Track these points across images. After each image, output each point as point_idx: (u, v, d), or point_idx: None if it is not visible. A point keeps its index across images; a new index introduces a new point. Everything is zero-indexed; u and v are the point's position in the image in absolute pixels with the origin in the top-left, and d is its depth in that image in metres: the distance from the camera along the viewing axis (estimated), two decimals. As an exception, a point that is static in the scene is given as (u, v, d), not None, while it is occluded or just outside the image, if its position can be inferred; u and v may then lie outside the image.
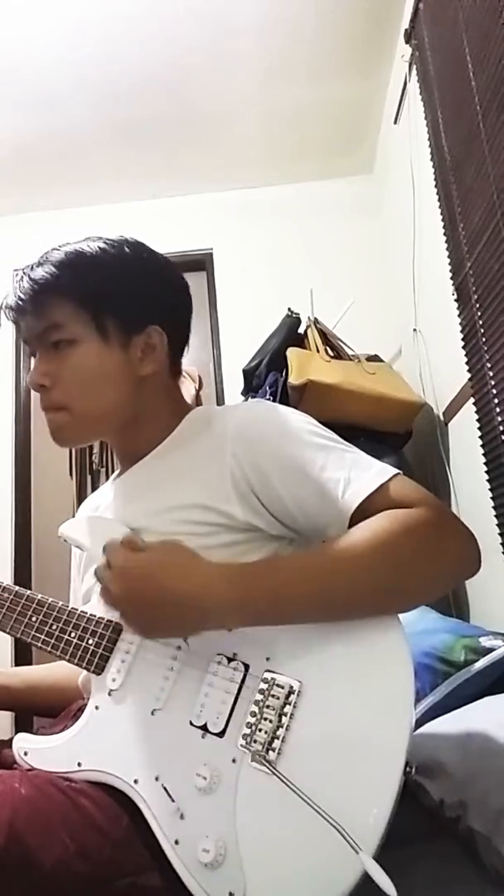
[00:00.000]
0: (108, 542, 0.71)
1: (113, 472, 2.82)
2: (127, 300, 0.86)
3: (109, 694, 0.74)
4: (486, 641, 1.29)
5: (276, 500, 0.78)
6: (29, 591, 0.84)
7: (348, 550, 0.69)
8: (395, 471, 0.76)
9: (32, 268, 0.85)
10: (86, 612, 0.80)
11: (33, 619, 0.81)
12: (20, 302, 0.85)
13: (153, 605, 0.66)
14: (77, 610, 0.81)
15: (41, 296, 0.83)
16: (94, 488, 2.75)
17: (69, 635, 0.79)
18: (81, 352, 0.84)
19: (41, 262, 0.85)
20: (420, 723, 0.99)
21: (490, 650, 1.25)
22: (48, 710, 0.95)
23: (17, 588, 0.84)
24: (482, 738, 0.83)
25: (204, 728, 0.68)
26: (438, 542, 0.71)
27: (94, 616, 0.79)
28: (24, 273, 0.85)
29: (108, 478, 3.06)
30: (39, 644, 0.80)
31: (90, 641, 0.78)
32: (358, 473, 0.76)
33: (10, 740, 0.78)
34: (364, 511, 0.73)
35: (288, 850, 0.60)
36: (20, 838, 0.59)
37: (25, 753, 0.74)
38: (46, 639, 0.80)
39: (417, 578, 0.71)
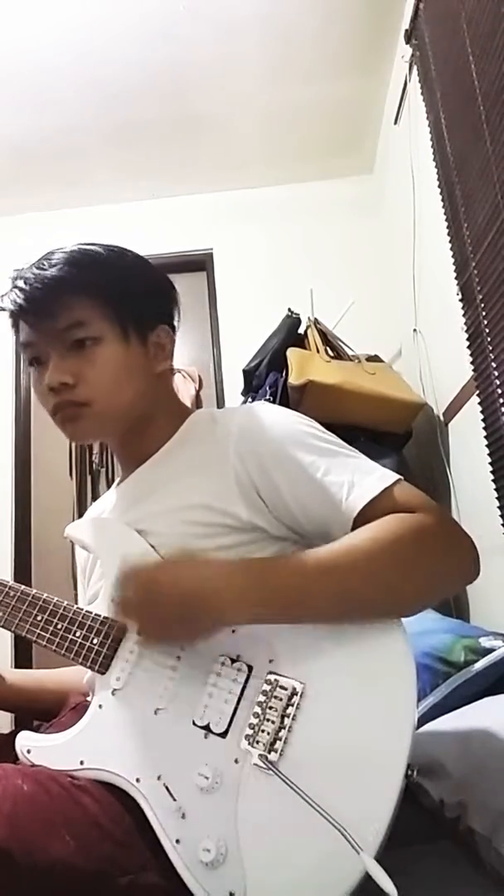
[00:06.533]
0: (123, 553, 0.71)
1: (113, 472, 2.82)
2: (142, 299, 0.88)
3: (113, 693, 0.75)
4: (486, 642, 1.30)
5: (279, 503, 0.79)
6: (35, 590, 0.84)
7: (358, 550, 0.69)
8: (397, 476, 0.77)
9: (41, 268, 0.82)
10: (91, 612, 0.81)
11: (39, 617, 0.82)
12: (36, 301, 0.81)
13: (166, 603, 0.67)
14: (83, 609, 0.81)
15: (63, 294, 0.81)
16: (94, 489, 2.75)
17: (74, 634, 0.79)
18: (107, 349, 0.83)
19: (50, 263, 0.82)
20: (420, 723, 1.00)
21: (490, 651, 1.25)
22: (51, 715, 0.95)
23: (22, 587, 0.85)
24: (482, 738, 0.84)
25: (207, 728, 0.68)
26: (440, 547, 0.73)
27: (100, 616, 0.80)
28: (32, 274, 0.82)
29: (108, 478, 3.07)
30: (44, 643, 0.80)
31: (95, 641, 0.78)
32: (361, 478, 0.76)
33: (11, 734, 0.78)
34: (367, 515, 0.73)
35: (289, 851, 0.61)
36: (21, 833, 0.59)
37: (28, 751, 0.74)
38: (52, 637, 0.80)
39: (420, 581, 0.72)
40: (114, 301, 0.84)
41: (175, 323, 0.95)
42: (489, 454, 1.63)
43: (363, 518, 0.73)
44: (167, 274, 0.95)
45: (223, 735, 0.67)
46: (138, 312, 0.87)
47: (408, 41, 2.09)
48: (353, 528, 0.74)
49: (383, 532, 0.70)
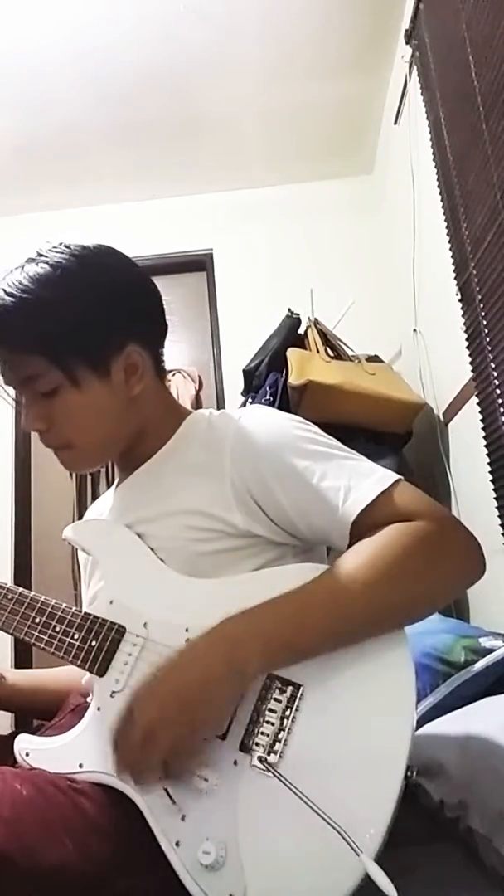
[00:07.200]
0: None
1: (113, 472, 2.82)
2: (90, 337, 0.81)
3: (112, 695, 0.74)
4: (485, 642, 1.30)
5: (277, 509, 0.78)
6: (32, 593, 0.84)
7: (359, 576, 0.69)
8: (396, 477, 0.76)
9: None
10: (90, 614, 0.80)
11: (37, 620, 0.81)
12: None
13: (188, 703, 0.64)
14: (81, 611, 0.81)
15: (10, 352, 0.81)
16: (94, 490, 2.75)
17: (72, 637, 0.79)
18: (66, 396, 0.81)
19: None
20: (420, 723, 0.99)
21: (490, 651, 1.25)
22: (51, 715, 0.95)
23: (20, 589, 0.85)
24: (482, 738, 0.83)
25: (206, 730, 0.68)
26: (445, 556, 0.72)
27: (98, 618, 0.79)
28: None
29: (108, 479, 3.06)
30: (42, 645, 0.80)
31: (93, 643, 0.77)
32: (358, 481, 0.75)
33: (10, 736, 0.78)
34: (365, 519, 0.73)
35: (289, 853, 0.61)
36: (20, 837, 0.60)
37: (27, 754, 0.74)
38: (49, 640, 0.80)
39: (424, 596, 0.72)
40: (55, 354, 0.79)
41: (148, 328, 0.89)
42: (488, 454, 1.63)
43: (361, 523, 0.73)
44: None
45: (222, 737, 0.67)
46: (88, 352, 0.80)
47: (408, 41, 2.09)
48: (352, 533, 0.74)
49: (383, 553, 0.69)
